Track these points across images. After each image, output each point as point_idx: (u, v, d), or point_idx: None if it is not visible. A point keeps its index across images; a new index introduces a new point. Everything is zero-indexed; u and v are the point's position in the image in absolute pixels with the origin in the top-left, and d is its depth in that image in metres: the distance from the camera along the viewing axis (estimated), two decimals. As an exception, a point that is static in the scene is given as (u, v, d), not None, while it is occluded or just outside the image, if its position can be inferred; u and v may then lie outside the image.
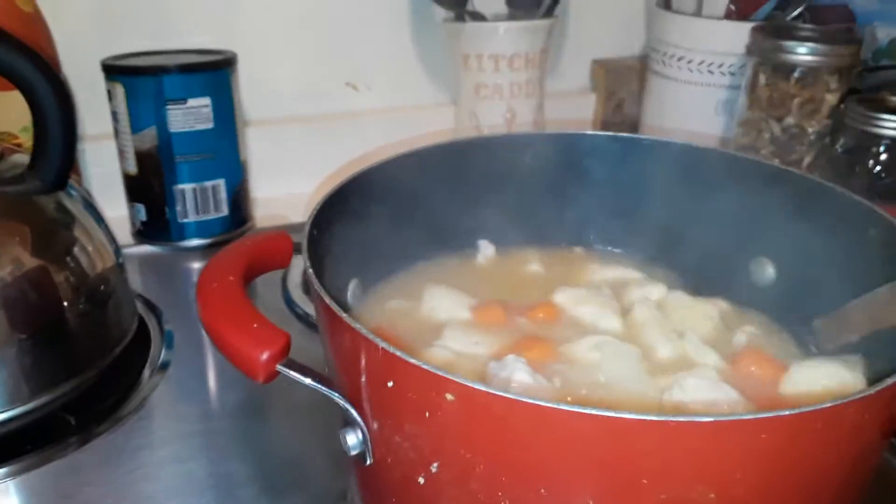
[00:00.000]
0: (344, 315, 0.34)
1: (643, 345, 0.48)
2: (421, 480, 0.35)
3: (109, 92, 0.76)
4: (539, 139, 0.58)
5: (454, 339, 0.47)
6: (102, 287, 0.58)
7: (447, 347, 0.46)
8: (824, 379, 0.43)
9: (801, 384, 0.44)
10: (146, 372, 0.62)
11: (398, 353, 0.31)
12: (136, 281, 0.74)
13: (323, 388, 0.37)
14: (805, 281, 0.51)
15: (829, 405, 0.29)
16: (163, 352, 0.64)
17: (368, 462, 0.37)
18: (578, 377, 0.44)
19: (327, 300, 0.35)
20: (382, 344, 0.32)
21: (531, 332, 0.49)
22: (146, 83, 0.74)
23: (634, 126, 1.04)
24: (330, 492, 0.49)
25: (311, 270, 0.37)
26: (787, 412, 0.29)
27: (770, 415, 0.29)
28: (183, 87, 0.74)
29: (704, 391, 0.42)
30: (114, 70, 0.75)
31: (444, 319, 0.50)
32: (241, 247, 0.43)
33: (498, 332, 0.49)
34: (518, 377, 0.40)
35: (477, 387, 0.30)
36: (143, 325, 0.66)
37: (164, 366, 0.62)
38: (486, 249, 0.58)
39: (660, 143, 0.55)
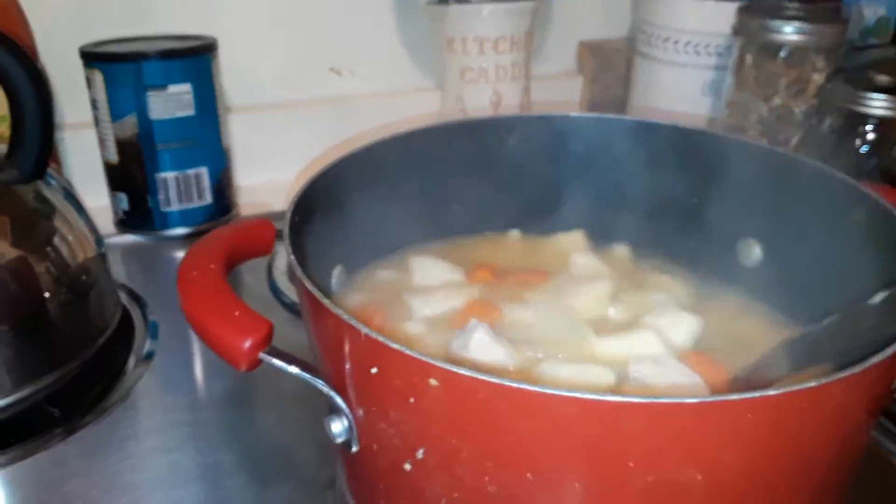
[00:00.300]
0: (326, 301, 0.33)
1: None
2: (407, 467, 0.34)
3: (88, 79, 0.75)
4: (524, 121, 0.57)
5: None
6: (84, 277, 0.57)
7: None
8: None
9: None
10: (131, 362, 0.61)
11: (381, 339, 0.31)
12: (119, 271, 0.74)
13: (307, 375, 0.36)
14: (792, 262, 0.51)
15: (814, 384, 0.29)
16: (147, 342, 0.63)
17: (354, 449, 0.37)
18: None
19: (309, 286, 0.34)
20: (365, 329, 0.32)
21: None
22: (125, 70, 0.72)
23: (621, 108, 1.04)
24: (318, 480, 0.49)
25: (292, 257, 0.37)
26: (773, 392, 0.28)
27: (756, 395, 0.28)
28: (163, 74, 0.73)
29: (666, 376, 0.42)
30: (92, 57, 0.74)
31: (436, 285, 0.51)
32: (221, 235, 0.42)
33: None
34: (477, 338, 0.41)
35: (461, 372, 0.29)
36: (126, 315, 0.65)
37: (149, 356, 0.62)
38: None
39: (645, 125, 0.55)
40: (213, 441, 0.53)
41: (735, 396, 0.28)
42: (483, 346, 0.42)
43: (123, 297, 0.68)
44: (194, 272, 0.38)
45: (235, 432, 0.54)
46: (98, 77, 0.74)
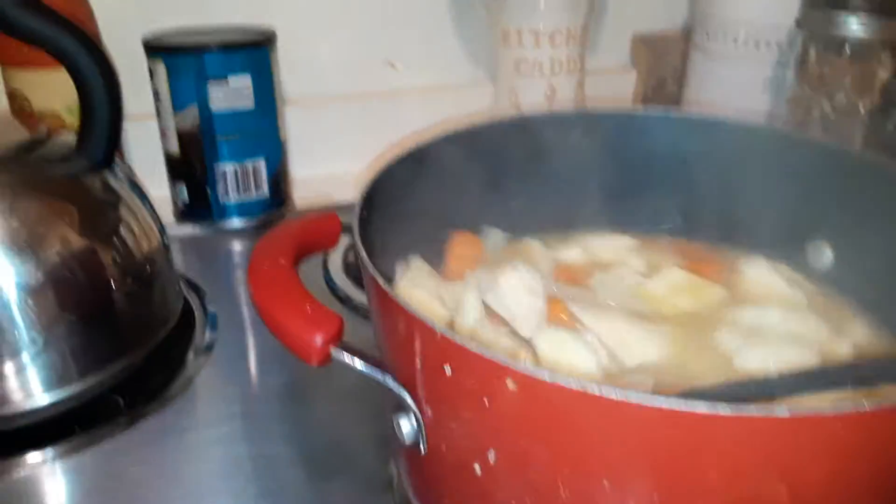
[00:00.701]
0: (400, 299, 0.33)
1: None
2: (477, 469, 0.34)
3: (151, 70, 0.76)
4: (589, 117, 0.56)
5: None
6: (149, 267, 0.58)
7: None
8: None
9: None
10: (191, 353, 0.62)
11: (457, 340, 0.31)
12: (178, 262, 0.74)
13: (377, 373, 0.36)
14: (864, 265, 0.49)
15: (910, 399, 0.28)
16: (207, 333, 0.64)
17: (423, 449, 0.37)
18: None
19: (382, 283, 0.34)
20: (441, 329, 0.31)
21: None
22: (187, 61, 0.73)
23: (676, 104, 1.02)
24: (376, 477, 0.49)
25: (363, 254, 0.37)
26: (866, 407, 0.27)
27: (849, 410, 0.27)
28: (224, 66, 0.74)
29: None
30: (155, 48, 0.75)
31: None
32: (290, 228, 0.42)
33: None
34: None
35: (539, 376, 0.29)
36: (186, 305, 0.66)
37: (209, 347, 0.62)
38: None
39: (714, 122, 0.53)
40: (271, 433, 0.53)
41: (828, 411, 0.27)
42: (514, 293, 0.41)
43: (183, 288, 0.69)
44: (265, 265, 0.38)
45: (293, 425, 0.54)
46: (160, 68, 0.74)
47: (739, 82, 0.92)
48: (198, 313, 0.66)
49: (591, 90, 0.97)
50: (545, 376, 0.29)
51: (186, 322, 0.64)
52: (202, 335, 0.63)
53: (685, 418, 0.28)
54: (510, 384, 0.30)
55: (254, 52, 0.75)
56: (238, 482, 0.49)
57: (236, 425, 0.54)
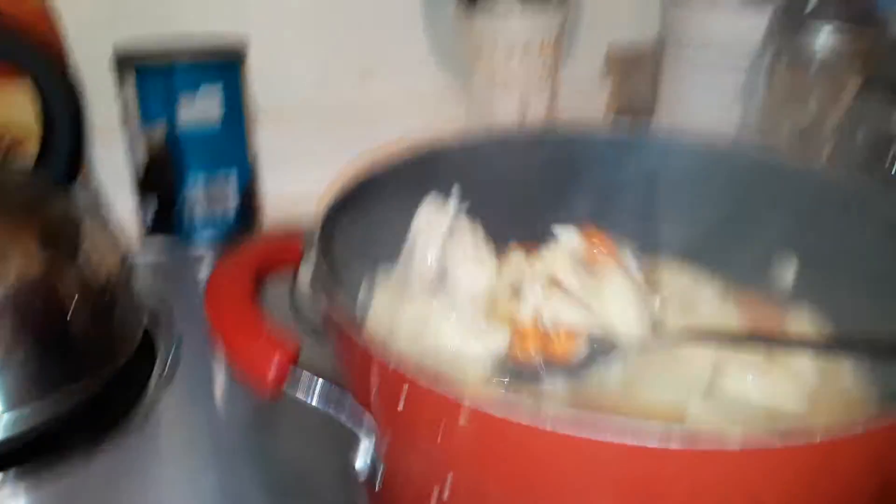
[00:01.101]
0: (355, 329, 0.33)
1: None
2: (432, 503, 0.34)
3: (120, 83, 0.75)
4: (555, 134, 0.56)
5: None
6: (110, 291, 0.56)
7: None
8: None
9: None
10: (153, 379, 0.60)
11: (411, 373, 0.30)
12: (143, 282, 0.73)
13: (331, 408, 0.36)
14: (830, 280, 0.49)
15: (860, 430, 0.28)
16: (171, 357, 0.62)
17: (378, 482, 0.36)
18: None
19: (338, 314, 0.34)
20: (395, 362, 0.31)
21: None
22: (156, 74, 0.72)
23: (649, 114, 1.02)
24: (339, 507, 0.48)
25: (323, 277, 0.36)
26: (819, 438, 0.27)
27: (801, 441, 0.27)
28: (194, 79, 0.73)
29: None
30: (124, 61, 0.74)
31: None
32: (250, 250, 0.42)
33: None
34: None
35: (493, 412, 0.28)
36: (150, 328, 0.64)
37: (171, 372, 0.60)
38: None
39: (675, 141, 0.54)
40: (235, 464, 0.52)
41: (779, 442, 0.27)
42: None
43: (147, 310, 0.67)
44: (222, 288, 0.37)
45: (258, 455, 0.53)
46: (130, 81, 0.74)
47: (711, 94, 0.92)
48: (162, 337, 0.64)
49: (565, 102, 0.97)
50: (497, 412, 0.28)
51: (149, 346, 0.62)
52: (165, 360, 0.61)
53: (637, 452, 0.27)
54: (462, 418, 0.30)
55: (225, 66, 0.74)
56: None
57: (199, 455, 0.53)
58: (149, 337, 0.64)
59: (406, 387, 0.31)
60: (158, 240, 0.80)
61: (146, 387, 0.59)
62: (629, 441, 0.27)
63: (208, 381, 0.61)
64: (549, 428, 0.28)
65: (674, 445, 0.27)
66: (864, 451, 0.29)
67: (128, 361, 0.58)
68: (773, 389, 0.43)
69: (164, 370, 0.61)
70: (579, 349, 0.42)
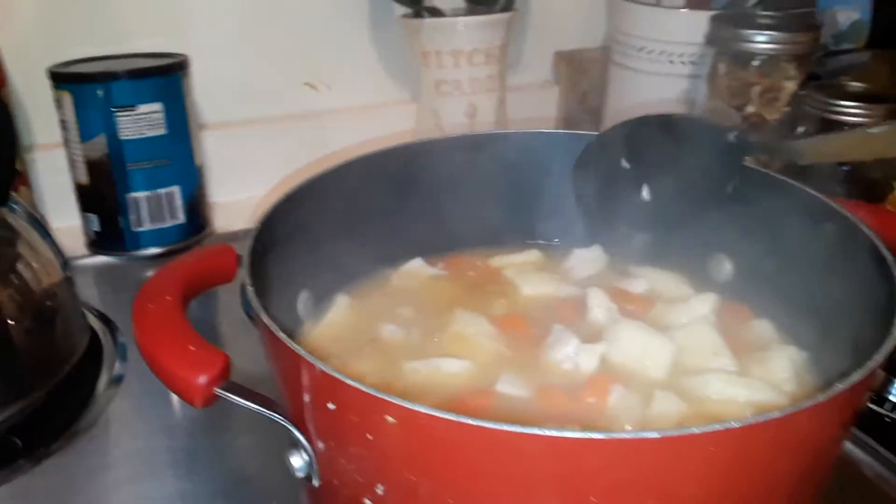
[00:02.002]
0: (283, 335, 0.33)
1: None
2: (367, 502, 0.33)
3: (57, 100, 0.74)
4: (491, 139, 0.56)
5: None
6: (49, 303, 0.56)
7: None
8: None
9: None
10: (100, 387, 0.60)
11: (337, 375, 0.30)
12: (90, 294, 0.72)
13: (264, 410, 0.35)
14: (762, 276, 0.50)
15: (777, 416, 0.28)
16: (117, 365, 0.62)
17: (316, 483, 0.36)
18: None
19: (266, 320, 0.34)
20: (321, 365, 0.31)
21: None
22: (93, 90, 0.71)
23: (598, 118, 1.03)
24: (288, 509, 0.48)
25: (251, 289, 0.36)
26: (735, 424, 0.28)
27: (718, 428, 0.28)
28: (132, 94, 0.72)
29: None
30: (61, 78, 0.73)
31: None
32: (180, 264, 0.41)
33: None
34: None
35: (417, 409, 0.29)
36: (96, 339, 0.64)
37: (118, 380, 0.60)
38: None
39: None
40: (182, 469, 0.52)
41: (697, 430, 0.28)
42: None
43: (93, 321, 0.67)
44: (150, 304, 0.37)
45: (205, 459, 0.53)
46: (67, 98, 0.73)
47: (656, 96, 0.94)
48: (107, 346, 0.64)
49: (514, 107, 0.98)
50: (421, 409, 0.28)
51: (94, 355, 0.62)
52: (111, 368, 0.61)
53: (559, 444, 0.28)
54: (389, 419, 0.30)
55: (164, 79, 0.74)
56: (147, 522, 0.48)
57: (146, 461, 0.53)
58: (96, 346, 0.63)
59: (335, 388, 0.31)
60: (105, 253, 0.79)
61: (94, 394, 0.59)
62: (550, 434, 0.27)
63: (155, 387, 0.59)
64: (471, 423, 0.28)
65: (594, 436, 0.27)
66: (781, 437, 0.29)
67: (75, 370, 0.58)
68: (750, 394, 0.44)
69: (111, 374, 0.61)
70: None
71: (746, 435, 0.28)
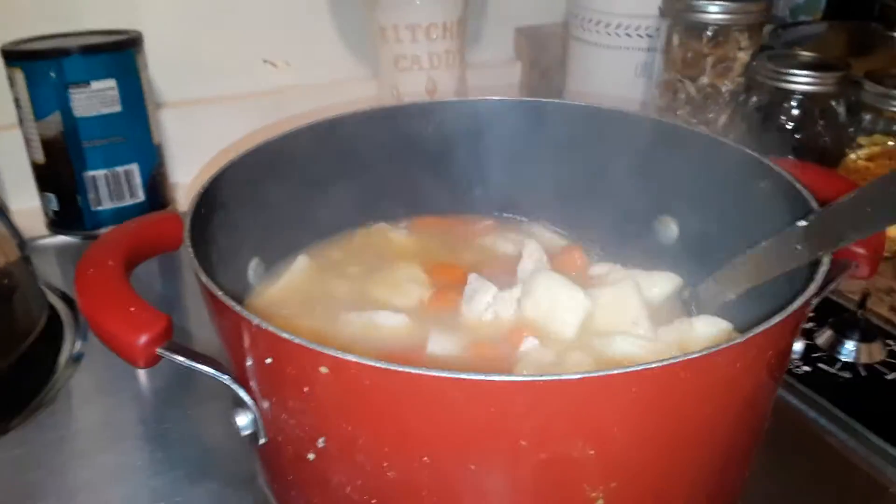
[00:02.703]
0: (220, 293, 0.33)
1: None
2: (311, 456, 0.34)
3: (10, 78, 0.73)
4: (438, 107, 0.57)
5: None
6: (6, 281, 0.56)
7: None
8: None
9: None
10: (60, 364, 0.60)
11: (270, 328, 0.31)
12: (52, 272, 0.72)
13: (209, 369, 0.36)
14: (705, 235, 0.51)
15: (695, 356, 0.29)
16: (77, 343, 0.62)
17: (262, 441, 0.37)
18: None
19: (205, 280, 0.34)
20: (256, 320, 0.32)
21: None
22: (46, 67, 0.71)
23: (559, 93, 1.04)
24: (244, 475, 0.48)
25: (190, 249, 0.37)
26: (653, 364, 0.29)
27: (639, 367, 0.29)
28: (85, 70, 0.72)
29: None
30: (12, 55, 0.72)
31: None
32: (124, 230, 0.42)
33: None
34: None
35: (347, 357, 0.29)
36: (56, 317, 0.64)
37: (78, 357, 0.61)
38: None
39: (562, 106, 0.55)
40: (143, 440, 0.53)
41: (618, 371, 0.29)
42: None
43: (54, 299, 0.67)
44: (91, 269, 0.37)
45: (166, 430, 0.54)
46: (19, 76, 0.72)
47: (615, 69, 0.95)
48: (68, 323, 0.64)
49: (476, 83, 0.98)
50: (351, 358, 0.29)
51: (55, 333, 0.62)
52: (72, 345, 0.62)
53: (485, 387, 0.29)
54: (323, 369, 0.30)
55: (117, 55, 0.74)
56: (108, 492, 0.48)
57: (106, 434, 0.53)
58: (57, 321, 0.64)
59: (270, 342, 0.32)
60: (65, 232, 0.79)
61: (54, 370, 0.59)
62: (478, 377, 0.28)
63: (115, 362, 0.59)
64: (399, 370, 0.28)
65: (516, 379, 0.28)
66: (701, 378, 0.30)
67: (34, 347, 0.58)
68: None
69: (72, 352, 0.61)
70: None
71: (666, 374, 0.29)
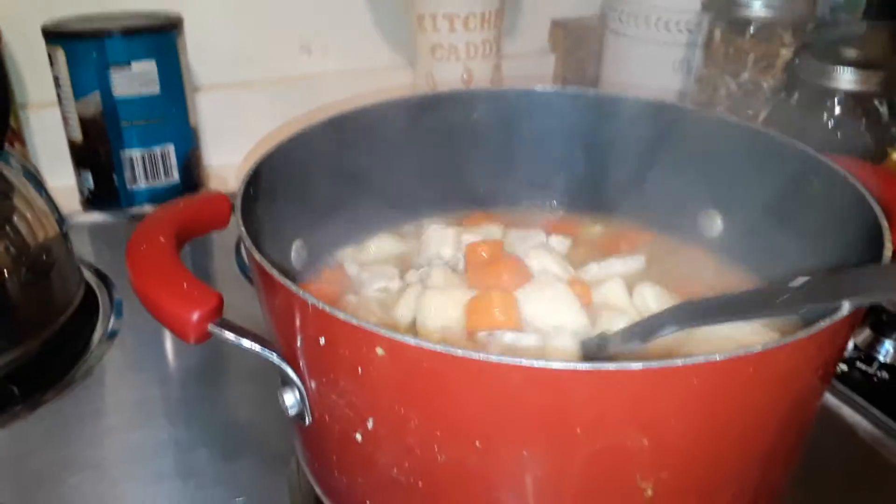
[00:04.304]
0: (274, 271, 0.33)
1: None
2: (358, 437, 0.34)
3: (51, 57, 0.74)
4: (487, 95, 0.56)
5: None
6: (44, 256, 0.57)
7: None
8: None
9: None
10: (95, 340, 0.61)
11: (328, 309, 0.31)
12: (86, 250, 0.73)
13: (258, 347, 0.36)
14: (752, 230, 0.51)
15: (759, 350, 0.29)
16: (112, 320, 0.63)
17: (308, 421, 0.37)
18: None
19: (258, 257, 0.34)
20: (312, 300, 0.31)
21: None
22: (87, 47, 0.71)
23: (594, 85, 1.03)
24: (279, 454, 0.49)
25: (242, 228, 0.36)
26: (718, 357, 0.28)
27: (701, 360, 0.28)
28: (126, 51, 0.72)
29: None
30: (54, 34, 0.73)
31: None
32: (173, 208, 0.42)
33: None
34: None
35: (406, 340, 0.29)
36: (91, 294, 0.65)
37: (113, 334, 0.61)
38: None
39: (608, 98, 0.55)
40: (177, 417, 0.53)
41: (680, 362, 0.28)
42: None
43: (89, 276, 0.67)
44: (143, 245, 0.37)
45: (199, 408, 0.54)
46: (60, 54, 0.73)
47: (652, 63, 0.94)
48: (103, 301, 0.65)
49: (511, 73, 0.98)
50: (410, 341, 0.29)
51: (90, 310, 0.63)
52: (107, 322, 0.62)
53: (544, 375, 0.28)
54: (379, 350, 0.30)
55: (158, 37, 0.74)
56: (141, 467, 0.49)
57: (140, 410, 0.54)
58: (92, 298, 0.64)
59: (325, 322, 0.31)
60: (100, 209, 0.79)
61: (89, 346, 0.60)
62: (539, 364, 0.28)
63: (150, 341, 0.61)
64: (458, 354, 0.28)
65: (578, 367, 0.28)
66: (760, 372, 0.30)
67: (70, 322, 0.59)
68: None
69: (106, 329, 0.62)
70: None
71: (727, 368, 0.29)
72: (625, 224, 0.56)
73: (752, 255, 0.51)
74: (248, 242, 0.35)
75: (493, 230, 0.54)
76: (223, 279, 0.69)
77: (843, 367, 0.56)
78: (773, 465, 0.38)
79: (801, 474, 0.44)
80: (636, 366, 0.28)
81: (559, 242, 0.53)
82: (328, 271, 0.51)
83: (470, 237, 0.51)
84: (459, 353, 0.28)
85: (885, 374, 0.55)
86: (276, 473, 0.47)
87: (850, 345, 0.57)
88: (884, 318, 0.58)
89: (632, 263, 0.52)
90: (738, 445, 0.33)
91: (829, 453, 0.49)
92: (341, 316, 0.30)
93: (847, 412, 0.52)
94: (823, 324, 0.31)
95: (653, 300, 0.46)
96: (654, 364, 0.28)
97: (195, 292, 0.35)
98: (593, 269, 0.50)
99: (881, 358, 0.57)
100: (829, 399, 0.53)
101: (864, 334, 0.58)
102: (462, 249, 0.50)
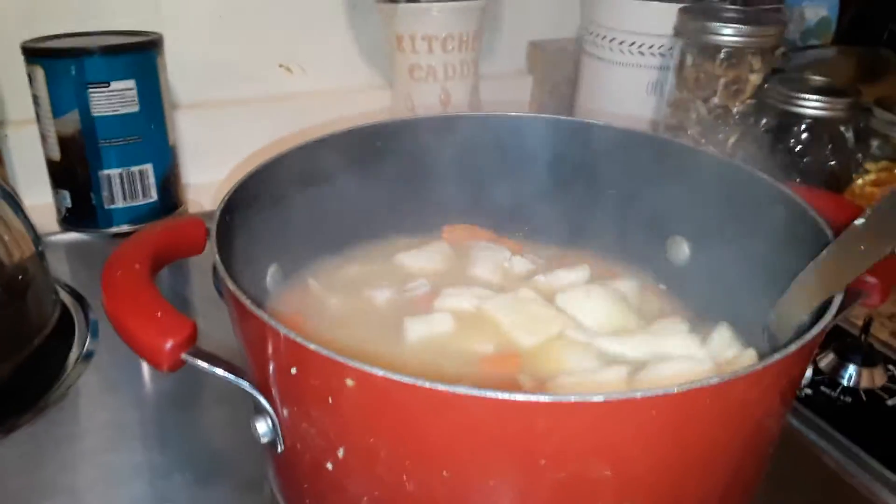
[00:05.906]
0: (247, 301, 0.34)
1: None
2: (329, 466, 0.35)
3: (30, 75, 0.74)
4: (458, 121, 0.57)
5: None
6: (20, 277, 0.57)
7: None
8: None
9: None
10: (70, 362, 0.60)
11: (298, 340, 0.32)
12: (62, 269, 0.73)
13: (230, 376, 0.37)
14: (718, 258, 0.52)
15: (715, 382, 0.30)
16: (88, 341, 0.63)
17: (280, 449, 0.37)
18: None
19: (231, 286, 0.35)
20: (283, 330, 0.32)
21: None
22: (66, 66, 0.71)
23: (570, 107, 1.05)
24: (253, 480, 0.49)
25: (217, 257, 0.37)
26: (675, 389, 0.29)
27: (660, 392, 0.29)
28: (105, 70, 0.72)
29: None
30: (33, 52, 0.73)
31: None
32: (149, 234, 0.42)
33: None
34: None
35: (375, 372, 0.30)
36: (67, 314, 0.65)
37: (89, 355, 0.61)
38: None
39: (578, 126, 0.56)
40: (152, 441, 0.53)
41: (639, 394, 0.29)
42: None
43: (65, 296, 0.67)
44: (118, 272, 0.38)
45: (174, 432, 0.54)
46: (39, 73, 0.73)
47: (627, 87, 0.96)
48: (79, 321, 0.65)
49: (488, 95, 0.99)
50: (378, 372, 0.30)
51: (65, 330, 0.63)
52: (82, 343, 0.62)
53: (508, 406, 0.29)
54: (349, 381, 0.31)
55: (138, 56, 0.74)
56: (116, 492, 0.49)
57: (115, 433, 0.53)
58: (67, 318, 0.64)
59: (296, 352, 0.32)
60: (77, 229, 0.79)
61: (64, 367, 0.59)
62: (500, 396, 0.29)
63: (126, 363, 0.60)
64: (424, 385, 0.29)
65: (543, 399, 0.29)
66: (719, 402, 0.31)
67: (45, 344, 0.58)
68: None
69: (82, 350, 0.61)
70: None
71: (685, 399, 0.30)
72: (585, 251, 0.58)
73: (717, 283, 0.52)
74: (223, 272, 0.36)
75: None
76: (200, 301, 0.69)
77: (808, 390, 0.57)
78: (735, 491, 0.39)
79: (765, 499, 0.45)
80: (597, 398, 0.29)
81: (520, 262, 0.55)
82: (301, 295, 0.52)
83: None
84: (426, 384, 0.29)
85: (848, 399, 0.56)
86: (250, 500, 0.48)
87: (812, 370, 0.59)
88: (848, 342, 0.60)
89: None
90: (699, 473, 0.34)
91: (792, 478, 0.50)
92: (312, 346, 0.31)
93: (811, 436, 0.53)
94: (778, 355, 0.32)
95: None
96: (614, 396, 0.29)
97: (169, 321, 0.36)
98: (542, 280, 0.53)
99: (844, 382, 0.58)
100: (793, 423, 0.54)
101: (829, 359, 0.59)
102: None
